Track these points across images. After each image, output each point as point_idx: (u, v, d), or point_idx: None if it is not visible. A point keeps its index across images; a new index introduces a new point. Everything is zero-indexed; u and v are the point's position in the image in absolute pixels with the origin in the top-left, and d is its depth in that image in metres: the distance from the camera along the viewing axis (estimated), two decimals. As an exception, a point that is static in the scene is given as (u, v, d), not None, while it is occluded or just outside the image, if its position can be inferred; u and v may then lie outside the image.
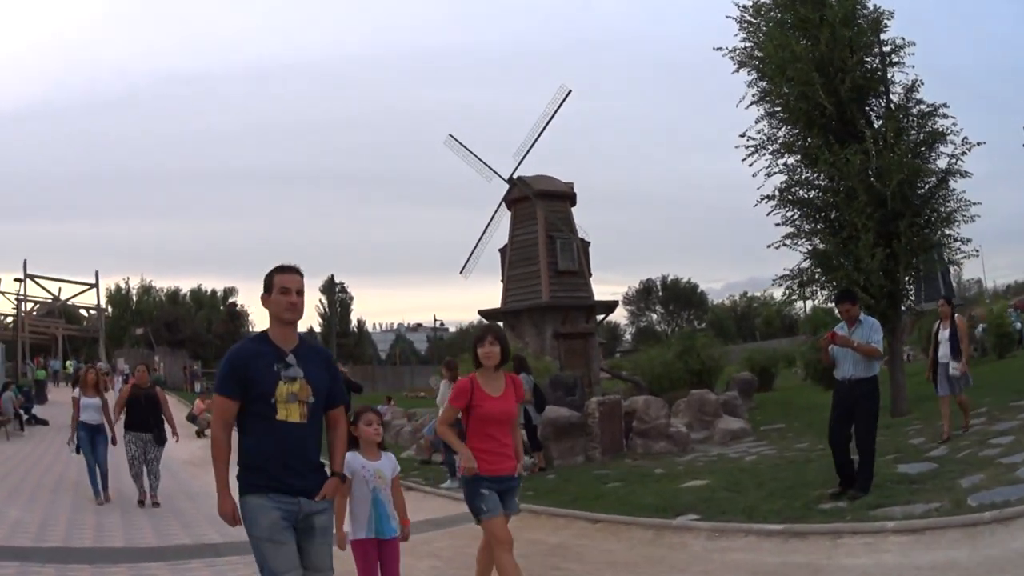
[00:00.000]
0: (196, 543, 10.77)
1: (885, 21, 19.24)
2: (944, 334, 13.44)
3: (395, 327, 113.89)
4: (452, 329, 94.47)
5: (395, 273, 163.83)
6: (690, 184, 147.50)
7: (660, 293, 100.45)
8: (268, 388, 4.76)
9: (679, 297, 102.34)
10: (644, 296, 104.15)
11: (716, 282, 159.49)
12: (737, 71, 20.66)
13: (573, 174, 47.19)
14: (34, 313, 66.42)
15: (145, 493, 14.04)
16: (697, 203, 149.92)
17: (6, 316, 64.84)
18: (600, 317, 35.27)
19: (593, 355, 33.11)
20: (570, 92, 33.97)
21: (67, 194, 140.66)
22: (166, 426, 14.35)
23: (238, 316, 75.29)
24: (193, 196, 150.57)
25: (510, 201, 34.05)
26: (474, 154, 34.72)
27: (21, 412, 28.48)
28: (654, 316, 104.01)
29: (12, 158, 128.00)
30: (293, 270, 4.98)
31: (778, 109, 20.11)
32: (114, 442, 14.44)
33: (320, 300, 79.33)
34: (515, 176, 33.77)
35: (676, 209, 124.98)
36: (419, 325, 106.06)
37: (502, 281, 34.08)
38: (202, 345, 67.12)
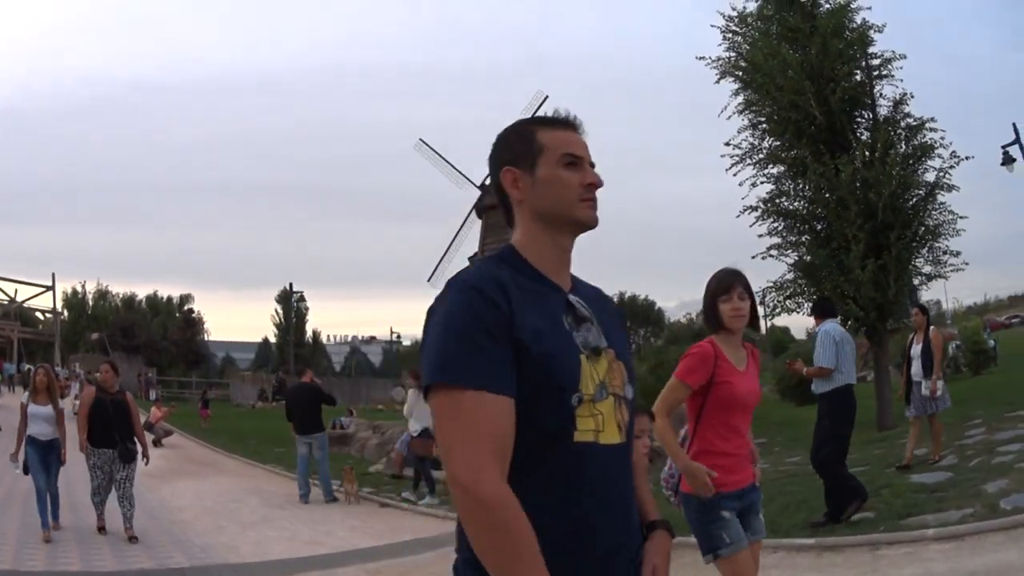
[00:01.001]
0: (160, 567, 9.99)
1: (872, 35, 19.40)
2: (916, 349, 12.21)
3: (349, 339, 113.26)
4: (407, 342, 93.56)
5: (349, 286, 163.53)
6: (639, 201, 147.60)
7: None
8: (569, 371, 2.14)
9: (636, 314, 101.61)
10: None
11: (669, 300, 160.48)
12: (719, 81, 20.72)
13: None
14: None
15: (104, 520, 11.68)
16: (645, 220, 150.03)
17: None
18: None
19: None
20: (547, 97, 34.44)
21: (25, 199, 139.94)
22: (135, 440, 11.68)
23: (194, 323, 74.26)
24: (152, 205, 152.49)
25: (481, 209, 34.23)
26: (445, 159, 35.17)
27: None
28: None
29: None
30: (570, 125, 2.38)
31: (762, 120, 20.19)
32: (63, 460, 11.58)
33: (276, 310, 79.12)
34: (487, 182, 33.22)
35: (624, 224, 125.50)
36: (373, 338, 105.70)
37: None
38: (157, 352, 66.09)
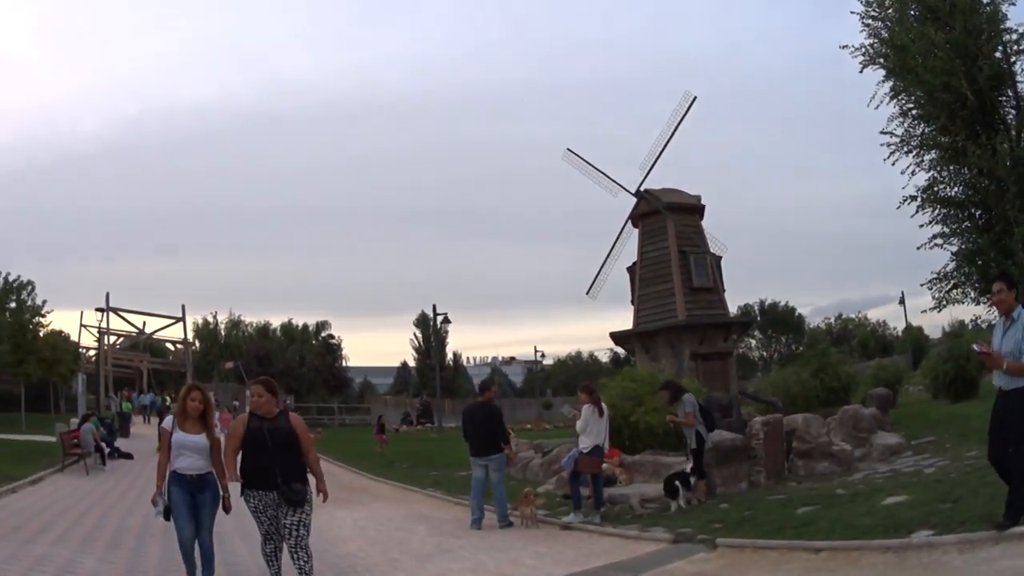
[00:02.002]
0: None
1: (1004, 9, 19.26)
2: None
3: (489, 360, 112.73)
4: (549, 361, 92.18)
5: (486, 307, 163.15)
6: (765, 209, 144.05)
7: (759, 318, 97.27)
8: None
9: (777, 321, 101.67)
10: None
11: (804, 306, 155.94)
12: (863, 70, 21.08)
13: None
14: (117, 346, 67.76)
15: None
16: (775, 228, 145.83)
17: (88, 349, 65.75)
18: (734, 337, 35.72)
19: (732, 376, 32.69)
20: (695, 99, 33.96)
21: (150, 232, 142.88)
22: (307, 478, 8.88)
23: (333, 349, 74.91)
24: (280, 233, 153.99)
25: (636, 217, 34.06)
26: (596, 168, 34.76)
27: (103, 445, 27.39)
28: (752, 342, 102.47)
29: (93, 197, 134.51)
30: None
31: (911, 106, 20.54)
32: (227, 508, 9.00)
33: (415, 333, 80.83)
34: (641, 189, 33.79)
35: (754, 233, 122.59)
36: (512, 359, 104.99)
37: (632, 302, 33.99)
38: (296, 379, 66.77)
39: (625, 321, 34.93)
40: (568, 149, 35.18)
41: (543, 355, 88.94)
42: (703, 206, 34.27)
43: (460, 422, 16.68)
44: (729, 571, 9.29)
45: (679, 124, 33.34)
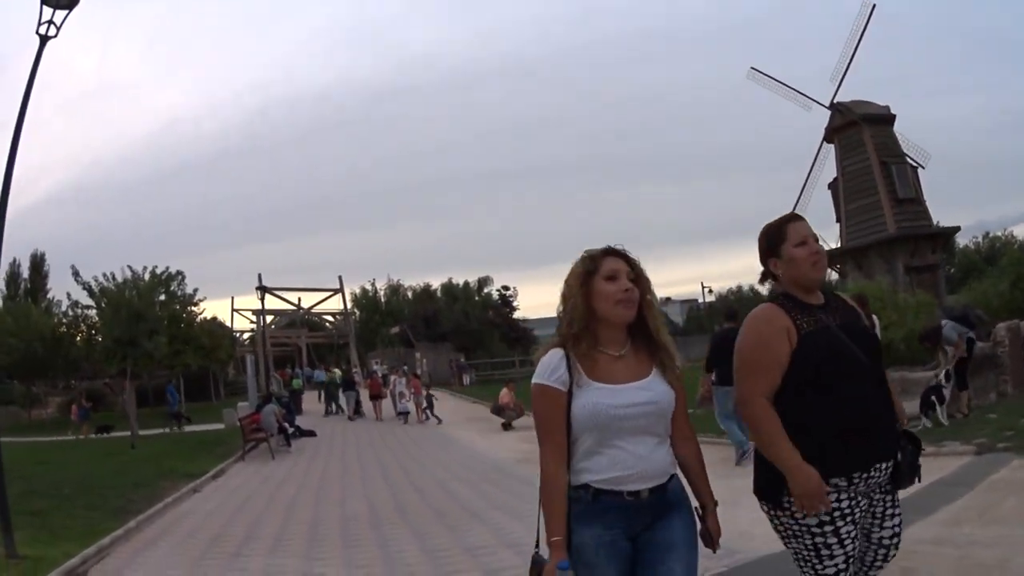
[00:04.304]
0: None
1: None
2: None
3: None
4: (712, 298, 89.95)
5: (649, 247, 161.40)
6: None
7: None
8: None
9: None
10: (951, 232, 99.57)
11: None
12: None
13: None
14: (273, 326, 67.64)
15: None
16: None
17: (243, 333, 67.95)
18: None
19: (942, 289, 32.08)
20: (874, 6, 32.76)
21: (295, 216, 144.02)
22: None
23: (508, 301, 74.68)
24: (425, 200, 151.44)
25: (831, 130, 33.30)
26: (785, 84, 34.17)
27: (285, 425, 26.55)
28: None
29: (235, 190, 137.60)
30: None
31: None
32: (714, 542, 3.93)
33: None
34: (835, 101, 32.88)
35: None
36: (668, 299, 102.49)
37: (837, 221, 33.51)
38: (466, 336, 66.58)
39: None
40: (752, 68, 34.53)
41: (710, 290, 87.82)
42: (894, 115, 33.08)
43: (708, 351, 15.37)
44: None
45: (862, 36, 32.33)
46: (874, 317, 13.51)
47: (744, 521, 6.82)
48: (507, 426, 26.06)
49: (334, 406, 38.55)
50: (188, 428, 33.53)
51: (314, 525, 12.26)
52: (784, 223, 3.92)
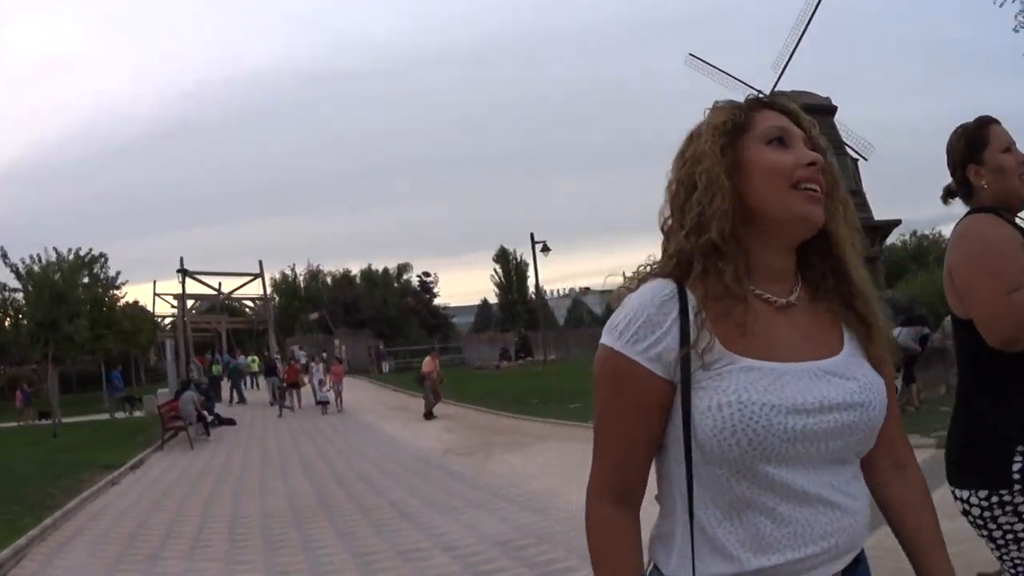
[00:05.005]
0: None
1: None
2: None
3: (567, 292, 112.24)
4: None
5: (560, 239, 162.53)
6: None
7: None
8: None
9: None
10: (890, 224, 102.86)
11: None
12: None
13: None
14: (194, 311, 66.72)
15: None
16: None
17: (164, 318, 66.56)
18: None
19: (880, 282, 32.07)
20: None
21: (220, 202, 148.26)
22: None
23: (429, 288, 74.66)
24: (346, 188, 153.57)
25: None
26: (721, 70, 33.94)
27: (204, 413, 25.71)
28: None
29: (156, 174, 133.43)
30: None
31: None
32: None
33: (495, 270, 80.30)
34: (775, 90, 32.34)
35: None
36: (587, 289, 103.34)
37: None
38: (385, 323, 66.22)
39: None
40: (690, 55, 34.25)
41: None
42: (835, 107, 33.40)
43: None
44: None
45: (807, 25, 32.47)
46: None
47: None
48: (429, 415, 25.19)
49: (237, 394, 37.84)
50: (107, 416, 32.59)
51: (233, 524, 11.73)
52: (985, 123, 3.00)
